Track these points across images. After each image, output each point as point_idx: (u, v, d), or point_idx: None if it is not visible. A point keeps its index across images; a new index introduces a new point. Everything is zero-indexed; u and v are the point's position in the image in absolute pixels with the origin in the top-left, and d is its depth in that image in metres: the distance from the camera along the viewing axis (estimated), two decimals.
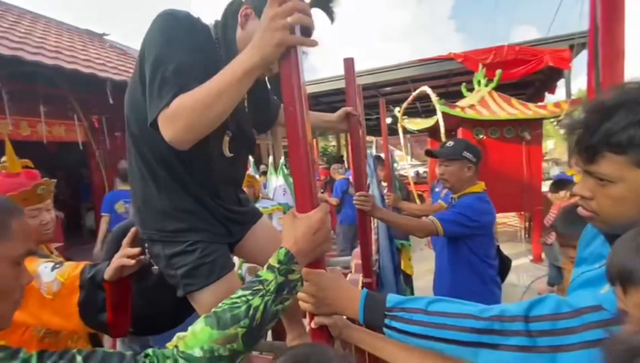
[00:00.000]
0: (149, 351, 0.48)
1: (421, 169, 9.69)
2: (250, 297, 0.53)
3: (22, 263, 0.57)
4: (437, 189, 3.00)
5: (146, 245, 0.98)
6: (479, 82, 4.77)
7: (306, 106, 0.60)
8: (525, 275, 4.13)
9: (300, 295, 0.64)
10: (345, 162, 7.87)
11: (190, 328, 0.51)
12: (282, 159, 4.33)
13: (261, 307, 0.52)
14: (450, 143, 1.77)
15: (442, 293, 1.82)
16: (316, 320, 0.66)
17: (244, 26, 0.87)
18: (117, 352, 0.47)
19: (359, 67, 1.43)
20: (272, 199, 3.83)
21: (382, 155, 3.07)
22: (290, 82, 0.59)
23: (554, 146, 19.77)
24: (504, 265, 1.89)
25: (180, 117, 0.68)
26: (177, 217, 0.93)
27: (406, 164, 7.65)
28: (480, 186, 1.74)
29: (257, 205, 3.31)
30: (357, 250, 1.98)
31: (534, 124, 4.29)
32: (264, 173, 4.87)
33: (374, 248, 1.94)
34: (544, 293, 2.98)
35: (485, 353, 0.55)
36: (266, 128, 1.25)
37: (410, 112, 6.37)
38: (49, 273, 0.97)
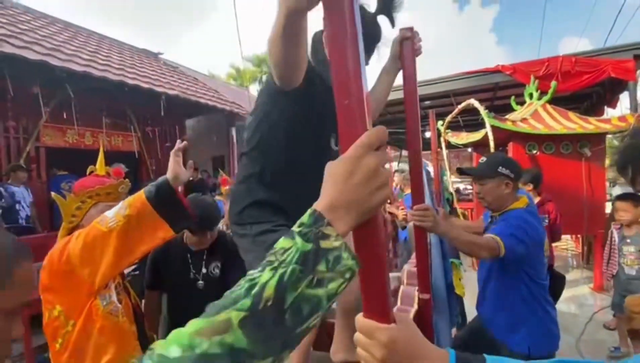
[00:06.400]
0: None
1: (462, 186, 9.24)
2: (257, 274, 0.36)
3: (17, 315, 0.53)
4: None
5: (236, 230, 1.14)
6: (530, 95, 4.53)
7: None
8: (586, 304, 3.74)
9: (361, 353, 0.48)
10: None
11: None
12: None
13: (272, 283, 0.35)
14: (483, 159, 1.65)
15: (489, 316, 1.69)
16: None
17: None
18: None
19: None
20: None
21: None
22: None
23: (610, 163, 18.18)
24: (558, 282, 1.74)
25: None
26: (270, 209, 1.10)
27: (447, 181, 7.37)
28: (523, 202, 1.60)
29: None
30: (407, 267, 1.90)
31: (596, 140, 3.96)
32: None
33: None
34: (612, 326, 2.73)
35: None
36: None
37: (453, 126, 6.15)
38: (115, 207, 1.04)
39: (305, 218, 0.39)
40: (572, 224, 4.00)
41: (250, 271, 0.37)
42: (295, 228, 0.38)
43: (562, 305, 2.87)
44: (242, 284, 0.36)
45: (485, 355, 0.49)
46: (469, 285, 2.83)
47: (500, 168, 1.55)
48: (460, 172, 1.90)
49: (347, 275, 0.38)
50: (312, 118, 1.05)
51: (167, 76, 6.27)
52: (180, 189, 1.19)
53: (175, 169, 1.09)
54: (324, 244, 0.37)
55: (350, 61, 0.41)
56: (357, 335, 0.47)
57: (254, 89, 13.78)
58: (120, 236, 0.97)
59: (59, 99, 4.49)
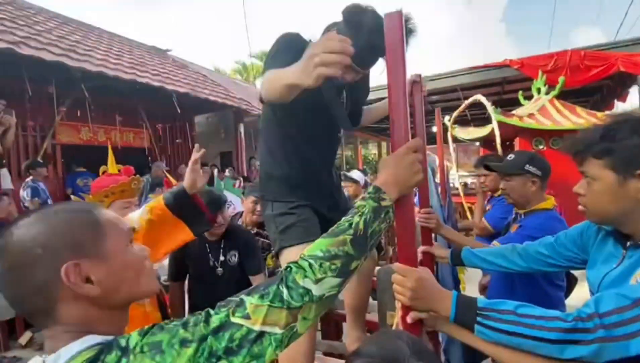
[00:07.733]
0: (288, 264, 0.59)
1: (469, 180, 9.24)
2: (350, 218, 0.63)
3: (132, 241, 0.60)
4: (486, 202, 2.82)
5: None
6: (538, 89, 4.52)
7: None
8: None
9: (397, 288, 0.70)
10: None
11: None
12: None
13: (361, 222, 0.61)
14: (511, 156, 1.66)
15: None
16: (413, 315, 0.71)
17: None
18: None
19: None
20: None
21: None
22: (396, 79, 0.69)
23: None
24: (569, 282, 1.77)
25: (263, 84, 0.97)
26: (290, 184, 1.23)
27: (454, 175, 7.38)
28: (550, 202, 1.60)
29: None
30: None
31: None
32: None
33: None
34: None
35: (571, 349, 0.64)
36: (355, 124, 1.42)
37: (460, 121, 6.14)
38: (138, 211, 1.12)
39: (370, 189, 0.66)
40: (579, 220, 4.00)
41: (345, 217, 0.63)
42: (365, 194, 0.66)
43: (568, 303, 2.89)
44: (344, 223, 0.62)
45: (478, 297, 0.71)
46: (469, 279, 2.90)
47: (527, 165, 1.54)
48: (486, 167, 1.91)
49: (389, 222, 0.65)
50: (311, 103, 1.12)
51: (177, 73, 6.36)
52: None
53: (192, 178, 1.10)
54: (383, 203, 0.64)
55: (402, 112, 0.69)
56: (394, 275, 0.71)
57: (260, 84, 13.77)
58: (144, 238, 1.04)
59: (73, 98, 4.62)
